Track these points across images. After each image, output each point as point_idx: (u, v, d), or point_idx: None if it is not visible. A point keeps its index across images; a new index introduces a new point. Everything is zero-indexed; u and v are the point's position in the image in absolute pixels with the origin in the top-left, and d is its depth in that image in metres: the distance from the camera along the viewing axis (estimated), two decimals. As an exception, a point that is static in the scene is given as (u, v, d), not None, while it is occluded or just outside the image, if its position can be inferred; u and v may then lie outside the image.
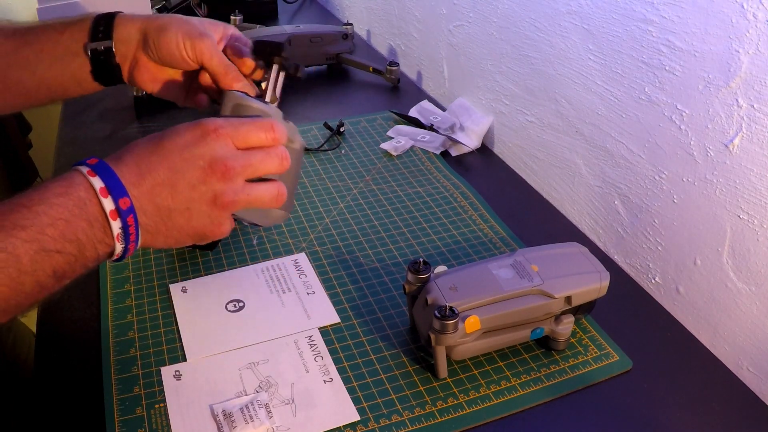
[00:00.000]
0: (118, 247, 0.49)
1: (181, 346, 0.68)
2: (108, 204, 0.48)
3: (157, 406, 0.61)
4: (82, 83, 0.67)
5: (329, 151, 1.02)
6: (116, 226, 0.48)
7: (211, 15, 1.45)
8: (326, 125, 1.07)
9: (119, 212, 0.48)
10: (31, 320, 0.84)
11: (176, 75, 0.67)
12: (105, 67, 0.65)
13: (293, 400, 0.62)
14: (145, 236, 0.51)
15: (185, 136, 0.51)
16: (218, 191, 0.51)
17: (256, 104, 0.58)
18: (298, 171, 0.60)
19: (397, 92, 1.23)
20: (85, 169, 0.49)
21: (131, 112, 1.13)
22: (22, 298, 0.47)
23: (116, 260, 0.51)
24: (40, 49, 0.65)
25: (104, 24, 0.64)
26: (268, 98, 0.60)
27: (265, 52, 0.61)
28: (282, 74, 0.61)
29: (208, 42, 0.62)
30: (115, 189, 0.48)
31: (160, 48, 0.63)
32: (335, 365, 0.66)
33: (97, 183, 0.48)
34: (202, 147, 0.51)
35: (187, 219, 0.51)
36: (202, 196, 0.51)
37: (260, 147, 0.53)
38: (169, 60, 0.63)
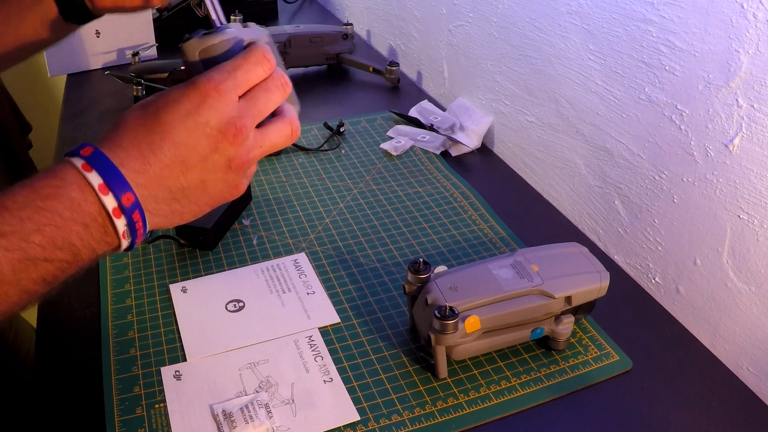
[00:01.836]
0: (124, 243, 0.45)
1: (181, 346, 0.68)
2: (109, 202, 0.43)
3: (157, 406, 0.61)
4: (50, 24, 0.68)
5: (329, 151, 1.02)
6: (121, 224, 0.44)
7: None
8: (326, 125, 1.07)
9: (123, 210, 0.44)
10: (31, 315, 0.84)
11: None
12: None
13: (293, 400, 0.62)
14: (158, 220, 0.47)
15: (184, 103, 0.46)
16: (232, 155, 0.47)
17: (222, 36, 0.51)
18: (279, 62, 0.54)
19: (397, 92, 1.23)
20: (79, 163, 0.44)
21: (131, 112, 1.13)
22: (8, 307, 0.43)
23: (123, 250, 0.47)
24: (11, 5, 0.67)
25: None
26: (221, 21, 0.54)
27: None
28: None
29: None
30: (117, 184, 0.43)
31: None
32: (335, 365, 0.66)
33: (95, 179, 0.43)
34: (206, 112, 0.46)
35: (202, 191, 0.48)
36: (216, 165, 0.47)
37: (258, 84, 0.49)
38: None
